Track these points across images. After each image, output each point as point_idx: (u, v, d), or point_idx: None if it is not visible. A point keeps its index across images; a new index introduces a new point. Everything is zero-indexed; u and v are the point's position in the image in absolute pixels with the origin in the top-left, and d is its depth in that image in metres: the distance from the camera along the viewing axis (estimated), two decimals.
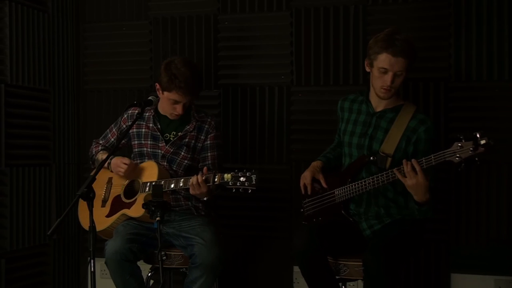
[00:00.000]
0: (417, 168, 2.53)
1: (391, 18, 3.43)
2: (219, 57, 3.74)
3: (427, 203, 2.61)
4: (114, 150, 2.93)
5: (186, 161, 3.12)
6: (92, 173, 2.47)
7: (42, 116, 3.72)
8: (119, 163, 3.06)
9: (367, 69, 2.82)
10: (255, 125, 3.67)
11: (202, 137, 3.14)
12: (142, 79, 3.88)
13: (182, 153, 3.11)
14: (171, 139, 3.12)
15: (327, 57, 3.54)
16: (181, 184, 2.89)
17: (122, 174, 3.07)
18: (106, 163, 3.03)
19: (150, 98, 2.99)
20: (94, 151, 3.30)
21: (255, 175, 2.70)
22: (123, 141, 3.19)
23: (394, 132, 2.77)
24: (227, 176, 2.73)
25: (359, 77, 3.48)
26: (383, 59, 2.69)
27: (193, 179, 2.82)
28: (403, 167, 2.56)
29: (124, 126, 3.20)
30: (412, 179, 2.53)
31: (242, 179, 2.71)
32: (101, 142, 3.31)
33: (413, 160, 2.55)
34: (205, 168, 2.86)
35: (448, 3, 3.34)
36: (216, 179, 2.77)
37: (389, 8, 3.45)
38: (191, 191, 2.86)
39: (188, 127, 3.11)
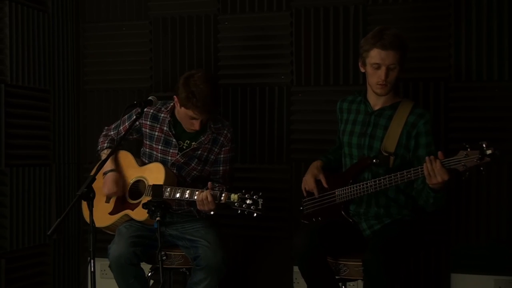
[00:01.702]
0: (438, 165, 2.48)
1: (391, 18, 3.42)
2: (219, 57, 3.74)
3: (443, 187, 2.56)
4: (114, 150, 2.92)
5: (195, 172, 3.10)
6: (92, 173, 2.47)
7: (42, 116, 3.72)
8: (111, 184, 3.01)
9: (362, 70, 2.84)
10: (255, 125, 3.67)
11: (216, 149, 3.10)
12: (142, 79, 3.88)
13: (193, 165, 3.08)
14: (184, 147, 3.07)
15: (327, 57, 3.54)
16: (186, 196, 2.85)
17: (106, 194, 3.02)
18: (104, 172, 3.04)
19: (150, 98, 2.97)
20: (100, 146, 3.24)
21: (261, 199, 2.68)
22: (134, 136, 3.18)
23: (394, 128, 2.77)
24: (234, 197, 2.72)
25: (359, 77, 3.48)
26: (374, 55, 2.72)
27: (201, 196, 2.79)
28: (421, 169, 2.54)
29: (138, 123, 3.12)
30: (437, 177, 2.49)
31: (248, 201, 2.69)
32: (112, 133, 3.22)
33: (432, 159, 2.50)
34: (209, 183, 2.84)
35: (448, 3, 3.34)
36: (222, 198, 2.75)
37: (389, 8, 3.45)
38: (198, 207, 2.84)
39: (203, 138, 3.05)
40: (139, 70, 3.89)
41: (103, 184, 3.04)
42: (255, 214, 2.70)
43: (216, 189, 2.85)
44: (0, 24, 3.40)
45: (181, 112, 3.00)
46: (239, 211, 2.72)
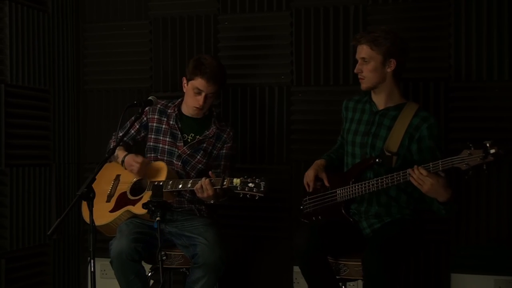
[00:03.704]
0: (424, 173, 2.51)
1: (391, 18, 3.42)
2: (219, 57, 3.73)
3: (451, 199, 2.57)
4: (113, 150, 2.92)
5: (200, 165, 3.14)
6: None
7: (42, 116, 3.72)
8: (131, 161, 3.05)
9: None
10: (255, 125, 3.67)
11: (219, 145, 3.18)
12: (142, 79, 3.88)
13: (198, 157, 3.13)
14: (189, 140, 3.14)
15: (327, 57, 3.54)
16: (189, 185, 2.89)
17: (136, 171, 3.06)
18: (120, 160, 3.08)
19: (150, 98, 2.98)
20: (111, 145, 3.25)
21: (264, 182, 2.71)
22: (142, 133, 3.23)
23: (397, 129, 2.77)
24: (236, 181, 2.74)
25: None
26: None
27: (200, 183, 2.83)
28: (409, 173, 2.56)
29: (145, 118, 3.20)
30: (426, 184, 2.52)
31: (250, 185, 2.72)
32: (120, 135, 3.22)
33: (416, 168, 2.53)
34: (210, 172, 2.88)
35: (448, 3, 3.34)
36: (225, 183, 2.78)
37: (389, 8, 3.44)
38: (198, 194, 2.88)
39: (207, 132, 3.15)
40: (139, 70, 3.89)
41: (129, 170, 3.07)
42: (257, 197, 2.73)
43: (218, 177, 2.89)
44: (0, 24, 3.40)
45: (188, 90, 3.09)
46: (241, 195, 2.75)
